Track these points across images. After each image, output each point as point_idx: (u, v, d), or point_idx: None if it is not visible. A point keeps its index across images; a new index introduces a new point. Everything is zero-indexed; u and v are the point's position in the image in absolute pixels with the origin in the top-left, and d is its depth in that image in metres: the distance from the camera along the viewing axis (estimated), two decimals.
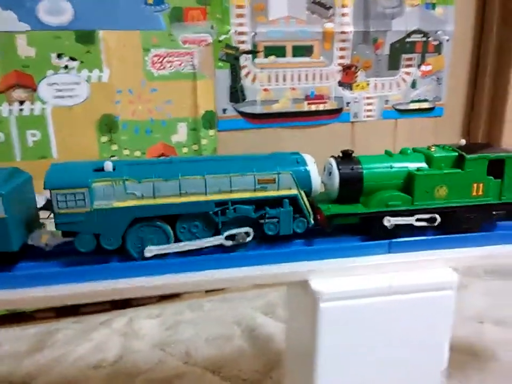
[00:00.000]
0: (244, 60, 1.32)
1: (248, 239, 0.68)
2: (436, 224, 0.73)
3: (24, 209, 0.66)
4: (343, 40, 1.40)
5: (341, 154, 0.74)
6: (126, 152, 1.24)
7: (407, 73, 1.51)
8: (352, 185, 0.72)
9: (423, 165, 0.74)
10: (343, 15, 1.37)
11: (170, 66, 1.24)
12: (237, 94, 1.34)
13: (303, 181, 0.69)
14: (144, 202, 0.64)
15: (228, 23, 1.27)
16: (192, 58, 1.25)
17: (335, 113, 1.47)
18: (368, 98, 1.50)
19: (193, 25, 1.23)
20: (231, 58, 1.31)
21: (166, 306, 1.35)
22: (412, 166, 0.73)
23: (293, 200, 0.68)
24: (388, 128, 1.57)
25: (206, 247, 0.68)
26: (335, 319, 0.65)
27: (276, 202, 0.68)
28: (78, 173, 0.63)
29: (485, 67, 1.59)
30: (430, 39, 1.50)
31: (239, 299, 1.39)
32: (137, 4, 1.18)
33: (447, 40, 1.52)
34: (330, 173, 0.73)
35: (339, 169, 0.72)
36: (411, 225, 0.72)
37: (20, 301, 0.63)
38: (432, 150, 0.75)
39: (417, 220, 0.73)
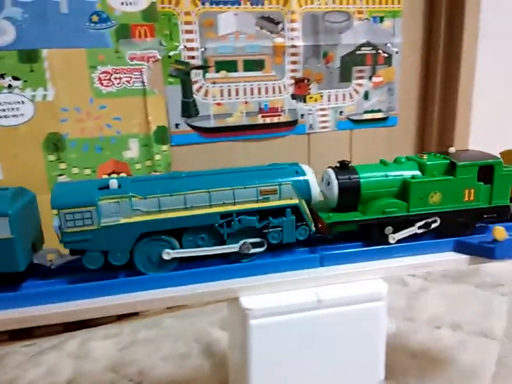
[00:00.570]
0: (195, 75, 1.33)
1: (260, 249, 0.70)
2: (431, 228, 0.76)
3: (30, 228, 0.67)
4: (294, 54, 1.42)
5: (338, 165, 0.77)
6: (75, 170, 1.22)
7: (359, 85, 1.54)
8: (350, 194, 0.75)
9: (417, 172, 0.77)
10: (292, 29, 1.39)
11: (119, 83, 1.23)
12: (189, 108, 1.35)
13: (303, 191, 0.72)
14: (151, 217, 0.66)
15: (176, 39, 1.28)
16: (141, 74, 1.25)
17: (290, 125, 1.49)
18: (322, 110, 1.52)
19: (140, 41, 1.23)
20: (182, 74, 1.31)
21: (122, 325, 1.33)
22: (406, 174, 0.77)
23: (295, 209, 0.71)
24: (344, 139, 1.59)
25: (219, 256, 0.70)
26: (266, 335, 0.65)
27: (278, 212, 0.70)
28: (84, 192, 0.65)
29: (434, 77, 1.63)
30: (379, 51, 1.53)
31: (198, 314, 1.37)
32: (82, 22, 1.17)
33: (396, 52, 1.56)
34: (328, 183, 0.76)
35: (338, 179, 0.74)
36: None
37: (28, 320, 0.63)
38: (424, 158, 0.79)
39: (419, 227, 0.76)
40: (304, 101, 1.48)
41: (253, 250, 0.70)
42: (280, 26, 1.38)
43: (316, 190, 0.73)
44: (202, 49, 1.31)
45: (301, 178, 0.72)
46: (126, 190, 0.65)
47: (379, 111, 1.59)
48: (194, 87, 1.34)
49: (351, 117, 1.56)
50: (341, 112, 1.54)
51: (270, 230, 0.70)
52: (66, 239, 0.63)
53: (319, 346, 0.67)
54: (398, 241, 0.76)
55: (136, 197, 0.65)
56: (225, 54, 1.35)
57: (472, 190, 0.77)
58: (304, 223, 0.71)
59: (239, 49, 1.36)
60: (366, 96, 1.56)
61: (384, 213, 0.74)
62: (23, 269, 0.63)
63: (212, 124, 1.38)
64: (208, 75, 1.34)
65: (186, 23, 1.28)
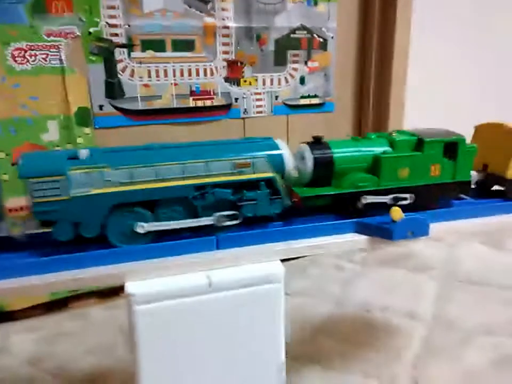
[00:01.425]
0: (119, 54, 1.27)
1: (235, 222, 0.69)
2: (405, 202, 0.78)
3: None
4: (226, 35, 1.38)
5: (312, 140, 0.77)
6: None
7: (295, 69, 1.52)
8: (324, 169, 0.76)
9: (387, 148, 0.79)
10: (223, 9, 1.35)
11: (34, 61, 1.16)
12: (114, 89, 1.28)
13: (277, 164, 0.72)
14: (122, 188, 0.64)
15: (97, 14, 1.21)
16: (58, 51, 1.18)
17: (223, 109, 1.45)
18: (257, 94, 1.49)
19: (57, 17, 1.16)
20: (104, 52, 1.24)
21: (47, 318, 1.27)
22: (378, 149, 0.78)
23: (269, 182, 0.70)
24: (280, 124, 1.57)
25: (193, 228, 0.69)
26: (153, 321, 0.61)
27: (253, 185, 0.70)
28: (53, 161, 0.63)
29: (370, 62, 1.63)
30: (314, 35, 1.51)
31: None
32: None
33: (332, 37, 1.54)
34: (303, 158, 0.76)
35: (312, 154, 0.75)
36: (380, 204, 0.77)
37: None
38: (394, 135, 0.81)
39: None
40: (238, 84, 1.45)
41: (228, 223, 0.69)
42: (210, 5, 1.33)
43: (290, 164, 0.73)
44: (126, 26, 1.25)
45: (275, 152, 0.72)
46: (97, 161, 0.64)
47: (315, 96, 1.58)
48: (119, 66, 1.27)
49: (286, 102, 1.54)
50: (276, 97, 1.52)
51: (244, 203, 0.69)
52: (36, 209, 0.61)
53: (213, 332, 0.64)
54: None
55: (107, 168, 0.64)
56: (152, 32, 1.29)
57: (438, 166, 0.80)
58: (279, 196, 0.71)
59: (167, 28, 1.30)
60: (302, 81, 1.54)
61: (356, 187, 0.76)
62: None
63: (139, 106, 1.33)
64: (133, 54, 1.28)
65: None
